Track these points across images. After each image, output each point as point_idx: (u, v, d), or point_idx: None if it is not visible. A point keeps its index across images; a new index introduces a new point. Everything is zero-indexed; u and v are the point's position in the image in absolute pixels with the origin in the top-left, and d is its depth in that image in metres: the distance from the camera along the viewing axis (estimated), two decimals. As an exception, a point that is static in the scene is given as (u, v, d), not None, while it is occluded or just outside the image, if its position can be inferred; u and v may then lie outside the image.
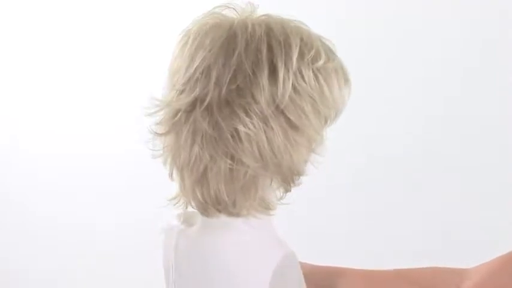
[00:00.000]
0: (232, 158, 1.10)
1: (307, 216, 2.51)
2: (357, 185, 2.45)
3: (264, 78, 1.09)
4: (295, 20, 1.15)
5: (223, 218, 1.15)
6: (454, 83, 2.44)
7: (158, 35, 2.74)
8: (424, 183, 2.45)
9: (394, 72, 2.49)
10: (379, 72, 2.48)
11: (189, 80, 1.12)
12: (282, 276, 1.10)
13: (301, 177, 1.15)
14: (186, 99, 1.12)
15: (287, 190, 1.15)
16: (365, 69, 2.36)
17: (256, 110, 1.09)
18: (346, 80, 1.17)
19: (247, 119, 1.09)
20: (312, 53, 1.11)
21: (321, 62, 1.12)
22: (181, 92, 1.12)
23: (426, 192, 2.45)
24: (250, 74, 1.09)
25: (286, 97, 1.09)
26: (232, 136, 1.10)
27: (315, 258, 1.41)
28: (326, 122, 1.15)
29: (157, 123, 1.15)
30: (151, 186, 2.06)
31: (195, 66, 1.12)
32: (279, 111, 1.10)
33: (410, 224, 2.41)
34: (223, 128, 1.10)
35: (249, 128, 1.09)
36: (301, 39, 1.12)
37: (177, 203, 1.17)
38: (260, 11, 1.15)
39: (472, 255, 2.34)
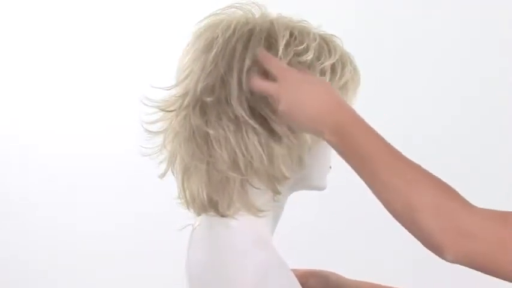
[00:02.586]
0: (205, 160, 1.11)
1: (308, 218, 2.51)
2: (356, 187, 2.44)
3: (234, 79, 1.08)
4: (300, 20, 1.14)
5: (211, 218, 1.15)
6: (454, 84, 2.44)
7: (159, 35, 2.74)
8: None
9: (396, 73, 2.49)
10: (380, 73, 2.48)
11: (177, 80, 1.14)
12: (261, 279, 1.07)
13: (287, 180, 1.12)
14: (172, 99, 1.13)
15: (275, 192, 1.13)
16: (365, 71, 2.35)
17: (228, 112, 1.09)
18: (345, 83, 1.13)
19: (217, 122, 1.09)
20: (298, 49, 1.09)
21: (304, 58, 1.09)
22: (172, 91, 1.14)
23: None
24: (223, 74, 1.09)
25: (258, 97, 1.08)
26: (203, 139, 1.10)
27: (319, 262, 1.40)
28: None
29: (151, 123, 1.16)
30: (151, 186, 2.06)
31: (182, 67, 1.14)
32: (253, 112, 1.08)
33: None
34: (195, 131, 1.10)
35: (218, 132, 1.09)
36: (291, 35, 1.10)
37: (180, 201, 1.18)
38: (269, 11, 1.15)
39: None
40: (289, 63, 1.09)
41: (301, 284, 1.31)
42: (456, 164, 2.48)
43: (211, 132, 1.09)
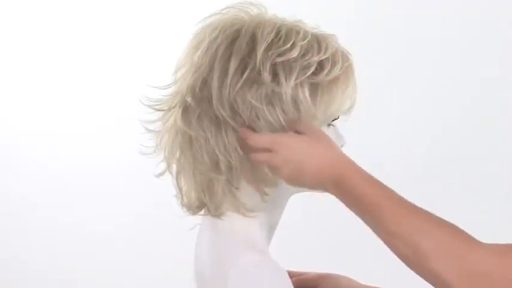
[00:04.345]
0: (191, 162, 1.11)
1: (312, 220, 2.51)
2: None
3: (215, 79, 1.08)
4: (296, 20, 1.14)
5: (205, 217, 1.17)
6: (454, 85, 2.44)
7: (160, 35, 2.74)
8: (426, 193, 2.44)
9: (396, 73, 2.49)
10: (380, 73, 2.48)
11: (172, 81, 1.16)
12: (246, 281, 1.07)
13: (274, 180, 1.11)
14: (165, 99, 1.15)
15: (260, 193, 1.12)
16: (367, 71, 2.35)
17: (209, 112, 1.09)
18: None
19: (198, 123, 1.09)
20: (281, 49, 1.09)
21: (286, 57, 1.09)
22: (167, 91, 1.16)
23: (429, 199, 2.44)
24: (205, 75, 1.10)
25: (238, 97, 1.08)
26: (187, 141, 1.11)
27: (324, 264, 1.39)
28: (294, 123, 1.09)
29: (150, 122, 1.17)
30: (152, 186, 2.06)
31: (176, 68, 1.16)
32: (234, 113, 1.08)
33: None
34: (179, 132, 1.11)
35: (199, 133, 1.09)
36: (276, 35, 1.10)
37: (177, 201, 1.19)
38: (269, 11, 1.15)
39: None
40: (272, 65, 1.08)
41: None
42: (457, 164, 2.48)
43: (192, 133, 1.10)
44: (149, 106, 1.15)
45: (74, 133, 2.92)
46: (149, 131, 1.17)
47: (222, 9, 1.16)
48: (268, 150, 1.07)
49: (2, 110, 3.03)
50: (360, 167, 1.06)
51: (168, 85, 1.16)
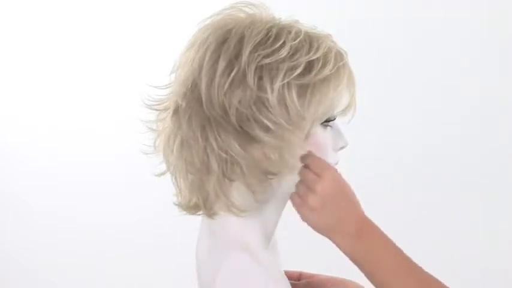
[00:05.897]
0: (184, 162, 1.11)
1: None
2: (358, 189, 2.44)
3: (204, 80, 1.08)
4: (292, 20, 1.13)
5: (202, 217, 1.18)
6: (455, 84, 2.44)
7: (161, 34, 2.75)
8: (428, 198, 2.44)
9: (397, 73, 2.49)
10: (381, 73, 2.48)
11: (169, 81, 1.16)
12: (229, 282, 1.07)
13: (266, 180, 1.10)
14: (163, 100, 1.16)
15: (253, 192, 1.11)
16: (371, 72, 2.36)
17: (200, 113, 1.08)
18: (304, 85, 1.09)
19: (188, 124, 1.09)
20: (268, 51, 1.07)
21: (274, 59, 1.07)
22: (165, 91, 1.17)
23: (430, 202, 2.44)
24: (196, 75, 1.09)
25: (226, 99, 1.07)
26: (179, 141, 1.11)
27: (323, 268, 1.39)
28: (280, 123, 1.08)
29: (151, 122, 1.17)
30: (153, 186, 2.06)
31: (173, 68, 1.16)
32: (225, 112, 1.07)
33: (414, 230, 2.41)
34: (171, 133, 1.12)
35: (189, 134, 1.09)
36: (266, 35, 1.08)
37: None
38: (270, 11, 1.14)
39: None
40: (257, 68, 1.07)
41: None
42: (456, 165, 2.48)
43: (182, 135, 1.10)
44: (149, 106, 1.16)
45: (74, 133, 2.93)
46: (150, 130, 1.17)
47: (221, 10, 1.16)
48: (316, 174, 1.09)
49: (2, 109, 3.03)
50: (378, 228, 1.09)
51: (166, 85, 1.16)
